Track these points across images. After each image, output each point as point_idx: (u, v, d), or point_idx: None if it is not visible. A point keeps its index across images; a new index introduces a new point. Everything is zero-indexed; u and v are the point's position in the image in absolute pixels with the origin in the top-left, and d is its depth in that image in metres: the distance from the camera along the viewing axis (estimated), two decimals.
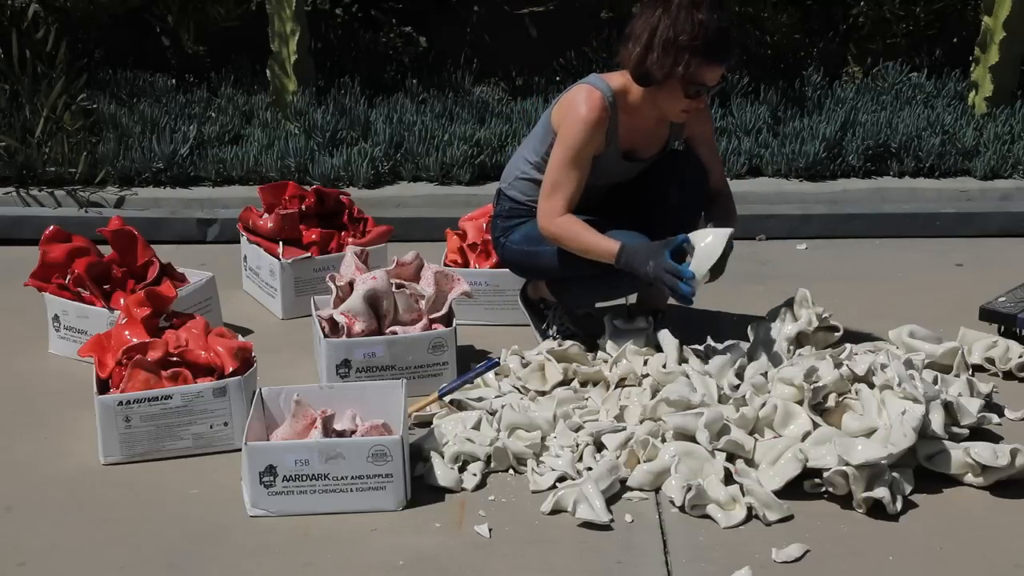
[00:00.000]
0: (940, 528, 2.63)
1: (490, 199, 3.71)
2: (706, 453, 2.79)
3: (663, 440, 2.88)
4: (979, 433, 2.93)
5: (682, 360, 3.22)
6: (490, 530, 2.64)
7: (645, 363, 3.23)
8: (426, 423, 3.08)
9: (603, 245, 3.19)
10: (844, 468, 2.67)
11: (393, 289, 3.33)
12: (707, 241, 3.11)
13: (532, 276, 3.57)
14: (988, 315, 3.57)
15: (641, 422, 2.97)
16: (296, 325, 3.78)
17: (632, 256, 3.15)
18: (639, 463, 2.83)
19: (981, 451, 2.76)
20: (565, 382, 3.25)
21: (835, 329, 3.42)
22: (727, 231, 3.13)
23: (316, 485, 2.70)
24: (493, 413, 3.07)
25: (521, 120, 5.33)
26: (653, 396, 3.03)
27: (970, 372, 3.29)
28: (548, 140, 3.32)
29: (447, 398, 3.15)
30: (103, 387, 3.02)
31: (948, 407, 2.89)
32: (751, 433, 2.88)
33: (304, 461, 2.69)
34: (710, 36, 3.09)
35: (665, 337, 3.24)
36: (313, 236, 3.94)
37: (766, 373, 3.08)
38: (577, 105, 3.23)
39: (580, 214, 3.28)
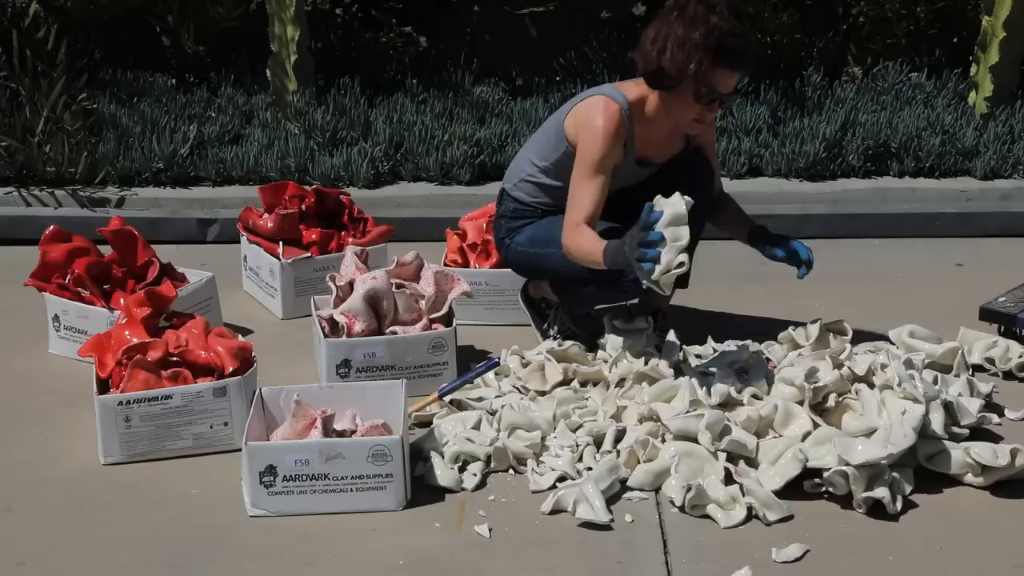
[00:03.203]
0: (940, 528, 2.64)
1: (490, 199, 3.72)
2: (707, 453, 2.79)
3: (663, 440, 2.88)
4: (979, 433, 2.93)
5: (680, 361, 3.23)
6: (490, 530, 2.64)
7: (645, 363, 3.23)
8: (426, 423, 3.08)
9: (595, 248, 3.12)
10: (844, 468, 2.67)
11: (393, 289, 3.34)
12: (671, 202, 2.97)
13: (536, 278, 3.57)
14: (988, 315, 3.57)
15: (640, 422, 2.98)
16: (296, 325, 3.78)
17: (615, 251, 3.07)
18: (639, 463, 2.83)
19: (981, 451, 2.76)
20: (565, 382, 3.25)
21: (844, 332, 3.39)
22: (682, 197, 2.99)
23: (316, 485, 2.70)
24: (493, 413, 3.07)
25: (521, 120, 5.32)
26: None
27: (970, 372, 3.29)
28: (561, 148, 3.31)
29: (447, 398, 3.15)
30: (103, 387, 3.02)
31: (948, 407, 2.89)
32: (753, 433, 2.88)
33: (304, 461, 2.69)
34: (724, 38, 3.08)
35: (668, 340, 3.24)
36: (313, 236, 3.94)
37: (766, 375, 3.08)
38: (595, 118, 3.20)
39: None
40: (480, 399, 3.16)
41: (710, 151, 3.48)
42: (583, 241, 3.16)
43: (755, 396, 2.97)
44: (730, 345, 3.32)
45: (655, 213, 2.94)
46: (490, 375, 3.26)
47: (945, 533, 2.62)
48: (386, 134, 5.15)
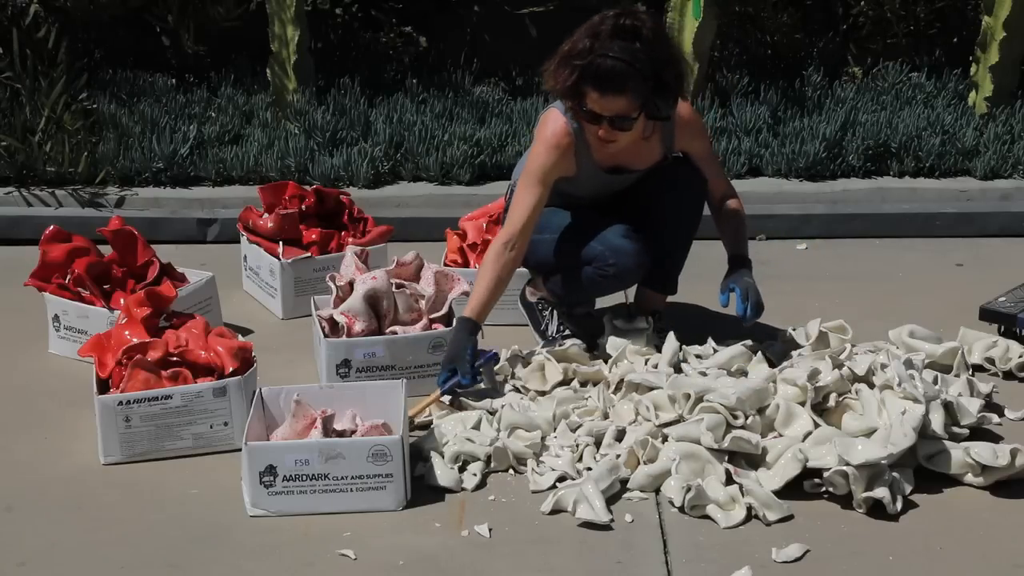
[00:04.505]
0: (940, 528, 2.64)
1: (490, 199, 3.74)
2: (708, 455, 2.79)
3: (663, 440, 2.88)
4: (979, 433, 2.93)
5: (680, 361, 3.23)
6: (490, 530, 2.64)
7: (645, 363, 3.23)
8: (425, 424, 3.08)
9: (470, 301, 3.25)
10: (844, 468, 2.67)
11: (393, 289, 3.34)
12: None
13: (531, 266, 3.57)
14: (988, 315, 3.57)
15: (636, 419, 2.98)
16: (296, 325, 3.78)
17: (452, 338, 3.22)
18: (639, 463, 2.83)
19: (981, 451, 2.76)
20: (565, 382, 3.25)
21: (844, 332, 3.39)
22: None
23: (316, 485, 2.70)
24: (493, 413, 3.07)
25: (521, 120, 5.33)
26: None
27: (970, 372, 3.29)
28: None
29: (446, 398, 3.15)
30: (103, 387, 3.02)
31: (948, 407, 2.89)
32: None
33: (304, 461, 2.69)
34: (592, 59, 3.09)
35: (668, 340, 3.25)
36: (313, 236, 3.94)
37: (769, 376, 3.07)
38: (544, 129, 3.29)
39: (587, 212, 3.30)
40: (481, 399, 3.16)
41: (705, 163, 3.43)
42: (482, 268, 3.26)
43: (755, 399, 2.94)
44: (730, 345, 3.31)
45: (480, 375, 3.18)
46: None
47: (945, 533, 2.62)
48: (386, 134, 5.15)
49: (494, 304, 3.27)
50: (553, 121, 3.28)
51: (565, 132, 3.26)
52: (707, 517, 2.68)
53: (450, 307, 3.39)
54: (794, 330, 3.37)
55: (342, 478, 2.70)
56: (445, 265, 3.84)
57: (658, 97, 3.16)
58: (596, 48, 3.10)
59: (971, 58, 5.50)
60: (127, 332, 3.12)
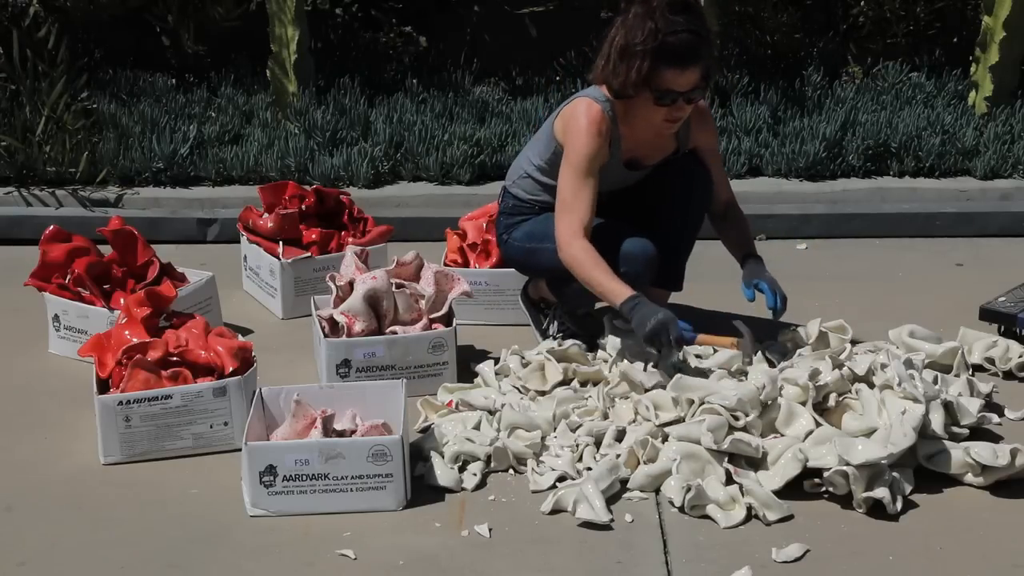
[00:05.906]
0: (940, 528, 2.64)
1: (490, 199, 3.73)
2: (708, 454, 2.79)
3: (664, 440, 2.88)
4: (979, 433, 2.94)
5: (681, 361, 3.23)
6: (490, 530, 2.64)
7: (645, 366, 3.22)
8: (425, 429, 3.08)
9: (613, 288, 3.15)
10: (844, 468, 2.67)
11: (393, 289, 3.34)
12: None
13: (533, 274, 3.57)
14: (988, 315, 3.57)
15: (635, 419, 2.98)
16: (296, 325, 3.78)
17: (638, 308, 3.10)
18: (639, 463, 2.83)
19: (981, 451, 2.76)
20: (565, 382, 3.25)
21: (844, 332, 3.39)
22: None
23: (316, 485, 2.70)
24: (493, 413, 3.07)
25: (521, 120, 5.33)
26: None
27: (970, 372, 3.29)
28: (551, 148, 3.33)
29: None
30: (103, 387, 3.02)
31: (948, 407, 2.89)
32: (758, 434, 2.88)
33: (304, 461, 2.69)
34: (664, 40, 3.07)
35: None
36: (313, 236, 3.94)
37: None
38: (578, 119, 3.23)
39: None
40: (486, 396, 3.16)
41: (712, 157, 3.45)
42: (588, 263, 3.17)
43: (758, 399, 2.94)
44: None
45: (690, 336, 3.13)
46: (491, 375, 3.26)
47: (945, 533, 2.62)
48: (386, 134, 5.15)
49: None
50: (590, 110, 3.22)
51: (604, 118, 3.22)
52: (707, 517, 2.68)
53: (450, 307, 3.39)
54: (794, 330, 3.37)
55: (342, 478, 2.70)
56: (445, 265, 3.84)
57: (714, 61, 3.16)
58: (662, 28, 3.06)
59: (971, 58, 5.50)
60: (127, 332, 3.12)
